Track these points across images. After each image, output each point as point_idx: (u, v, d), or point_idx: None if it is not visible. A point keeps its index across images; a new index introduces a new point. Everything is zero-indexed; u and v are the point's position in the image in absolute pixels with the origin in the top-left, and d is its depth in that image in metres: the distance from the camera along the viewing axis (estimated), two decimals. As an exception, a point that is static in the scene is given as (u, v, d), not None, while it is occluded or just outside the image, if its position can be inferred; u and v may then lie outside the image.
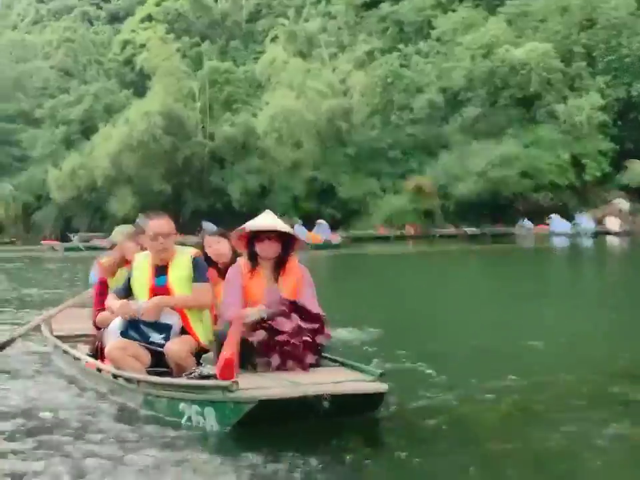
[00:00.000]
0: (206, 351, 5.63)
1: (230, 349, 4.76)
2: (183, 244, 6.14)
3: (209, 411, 4.70)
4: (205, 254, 6.15)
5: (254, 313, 5.29)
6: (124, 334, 5.55)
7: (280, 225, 5.64)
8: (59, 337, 7.41)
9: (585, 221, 41.62)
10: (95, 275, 7.57)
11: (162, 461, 4.21)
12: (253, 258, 5.61)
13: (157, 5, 75.75)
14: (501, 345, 7.92)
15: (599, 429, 4.53)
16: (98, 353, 6.23)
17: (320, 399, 4.48)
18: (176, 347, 5.43)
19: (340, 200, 54.04)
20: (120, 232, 7.56)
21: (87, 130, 67.38)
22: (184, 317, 5.57)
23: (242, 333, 5.18)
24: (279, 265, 5.62)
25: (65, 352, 6.82)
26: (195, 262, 5.69)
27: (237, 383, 4.54)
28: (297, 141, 55.48)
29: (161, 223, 5.66)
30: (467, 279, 19.19)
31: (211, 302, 5.72)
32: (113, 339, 5.70)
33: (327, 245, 37.28)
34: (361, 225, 53.10)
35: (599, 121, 46.14)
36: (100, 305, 6.35)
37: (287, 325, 5.24)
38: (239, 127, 58.55)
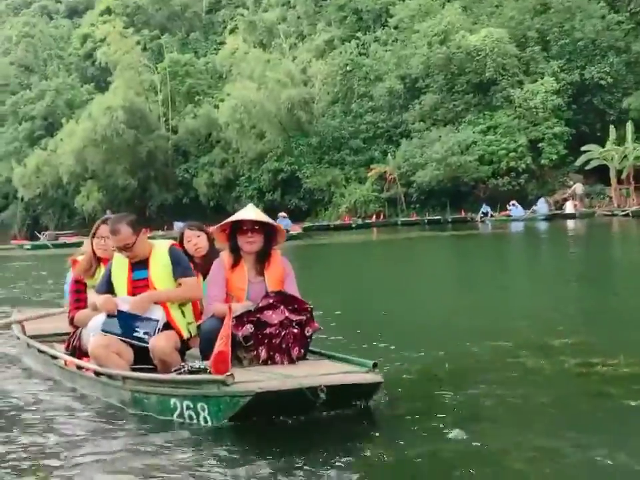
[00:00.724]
0: (187, 346, 5.61)
1: (223, 343, 4.60)
2: (152, 238, 6.19)
3: (203, 406, 4.64)
4: (183, 248, 6.12)
5: (241, 307, 5.29)
6: (106, 330, 5.45)
7: (262, 216, 5.59)
8: (32, 337, 7.21)
9: (541, 206, 42.48)
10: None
11: (154, 458, 4.17)
12: (236, 251, 5.56)
13: (116, -3, 75.44)
14: (436, 322, 8.62)
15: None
16: (75, 351, 6.13)
17: (316, 390, 4.44)
18: (161, 343, 5.35)
19: (305, 190, 54.56)
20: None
21: (50, 126, 67.40)
22: (166, 311, 5.52)
23: (233, 328, 5.08)
24: (262, 258, 5.57)
25: (41, 351, 6.65)
26: (174, 253, 5.68)
27: (232, 376, 4.50)
28: (260, 132, 55.91)
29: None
30: (421, 264, 19.92)
31: (198, 296, 5.70)
32: (94, 336, 5.64)
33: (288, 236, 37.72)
34: (327, 215, 53.71)
35: (554, 105, 46.73)
36: (76, 303, 6.18)
37: (274, 317, 5.22)
38: (201, 119, 58.98)
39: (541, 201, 43.07)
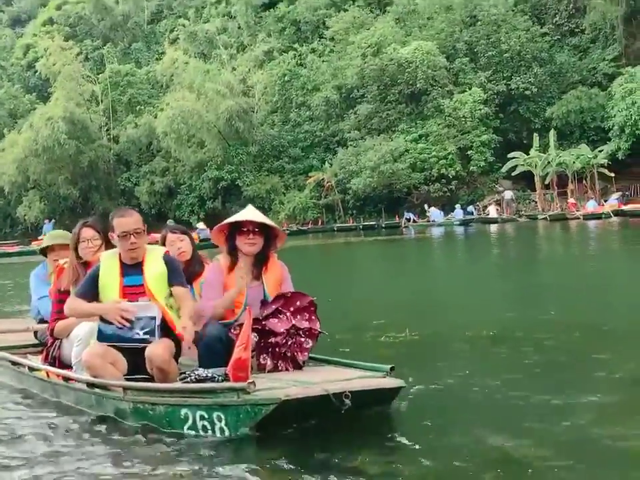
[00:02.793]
0: (179, 353, 5.28)
1: (243, 349, 4.40)
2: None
3: (219, 416, 4.39)
4: None
5: (232, 292, 5.22)
6: (104, 338, 5.08)
7: (263, 218, 5.42)
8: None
9: (457, 212, 44.54)
10: (40, 283, 6.87)
11: (164, 473, 3.93)
12: (234, 253, 5.36)
13: (58, 8, 76.07)
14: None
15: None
16: (55, 363, 5.76)
17: (341, 396, 4.29)
18: (159, 351, 5.00)
19: (245, 198, 55.59)
20: (56, 236, 6.83)
21: (-7, 136, 67.42)
22: (169, 320, 5.14)
23: (235, 335, 4.97)
24: (261, 261, 5.39)
25: (15, 363, 6.19)
26: (169, 260, 5.36)
27: (253, 383, 4.30)
28: (199, 141, 56.99)
29: (126, 221, 5.20)
30: (345, 266, 21.55)
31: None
32: (77, 346, 5.38)
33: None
34: (267, 221, 54.87)
35: (481, 114, 48.65)
36: (57, 314, 5.69)
37: (280, 325, 5.09)
38: (142, 129, 59.83)
39: (457, 207, 45.20)
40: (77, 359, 5.42)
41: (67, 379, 5.45)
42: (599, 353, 6.39)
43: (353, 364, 5.20)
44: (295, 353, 5.13)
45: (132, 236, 5.15)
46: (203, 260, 6.12)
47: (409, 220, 46.55)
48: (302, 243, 38.90)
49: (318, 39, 61.24)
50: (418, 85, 50.20)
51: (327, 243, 37.04)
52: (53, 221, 54.53)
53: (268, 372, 5.04)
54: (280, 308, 5.13)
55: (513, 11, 53.02)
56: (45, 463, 4.13)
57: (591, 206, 40.19)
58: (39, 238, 49.75)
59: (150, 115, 60.26)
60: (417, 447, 4.11)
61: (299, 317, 5.15)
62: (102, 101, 63.71)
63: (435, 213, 45.13)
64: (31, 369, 5.93)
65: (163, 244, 5.98)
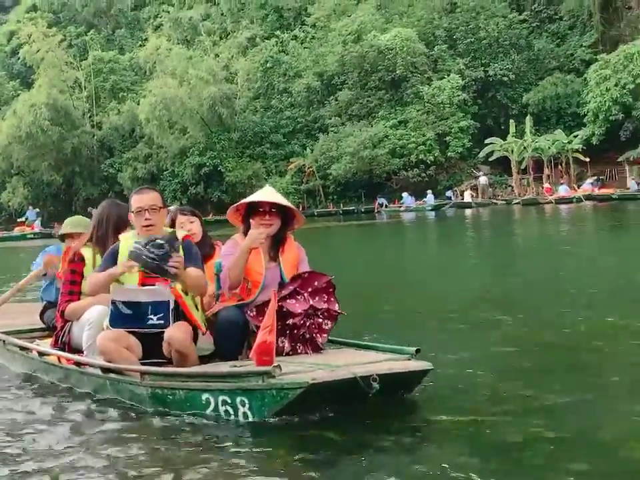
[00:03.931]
0: (195, 337, 5.08)
1: (267, 331, 4.27)
2: None
3: (242, 401, 4.27)
4: None
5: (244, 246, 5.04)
6: (115, 324, 4.95)
7: (280, 198, 5.26)
8: (6, 334, 6.52)
9: (429, 197, 45.34)
10: (42, 264, 6.76)
11: (186, 459, 3.82)
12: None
13: (42, -5, 75.94)
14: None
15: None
16: (65, 348, 5.54)
17: (369, 380, 4.16)
18: (180, 334, 4.88)
19: (227, 183, 56.25)
20: (77, 224, 6.61)
21: (-23, 123, 67.57)
22: (182, 304, 5.00)
23: (252, 317, 4.95)
24: (278, 242, 5.24)
25: (23, 348, 5.98)
26: (187, 243, 5.13)
27: (279, 367, 4.17)
28: (182, 128, 57.42)
29: (142, 197, 5.03)
30: (319, 247, 22.24)
31: (205, 291, 5.19)
32: (93, 330, 5.19)
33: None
34: (249, 207, 55.52)
35: (459, 100, 49.38)
36: (69, 295, 5.53)
37: (298, 306, 4.95)
38: (125, 116, 60.22)
39: (429, 192, 46.02)
40: (88, 343, 5.26)
41: (79, 363, 5.26)
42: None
43: (375, 346, 5.05)
44: (314, 335, 4.98)
45: (146, 212, 4.98)
46: (214, 243, 5.95)
47: (381, 205, 47.39)
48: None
49: (300, 26, 61.65)
50: (397, 72, 50.81)
51: (306, 227, 37.67)
52: (37, 209, 54.99)
53: (286, 355, 4.83)
54: (297, 288, 5.00)
55: (491, -3, 53.69)
56: (58, 450, 4.02)
57: (562, 190, 40.96)
58: (19, 221, 50.49)
59: (133, 101, 60.60)
60: (445, 433, 3.99)
61: (317, 297, 5.01)
62: (85, 88, 64.03)
63: (407, 199, 45.97)
64: (41, 353, 5.71)
65: (172, 226, 5.71)
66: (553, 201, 38.99)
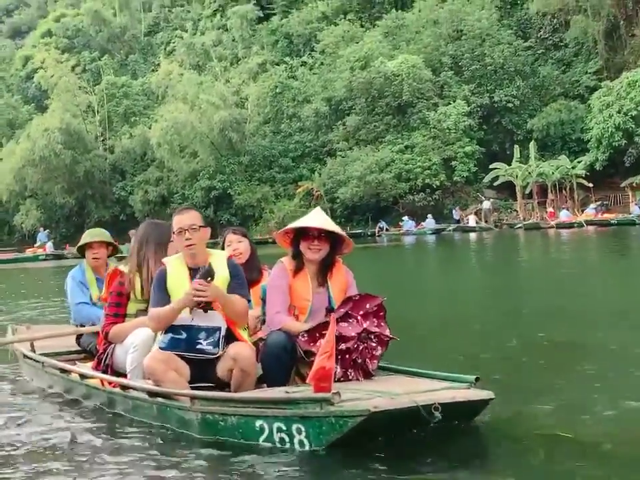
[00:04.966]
0: None
1: (327, 357, 4.12)
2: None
3: (299, 428, 4.13)
4: None
5: (299, 326, 4.94)
6: (165, 346, 4.86)
7: (330, 224, 5.15)
8: (44, 355, 6.41)
9: (429, 221, 46.14)
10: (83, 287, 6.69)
11: None
12: (298, 257, 5.13)
13: (57, 20, 77.61)
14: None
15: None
16: (107, 371, 5.46)
17: (431, 409, 4.01)
18: (247, 351, 4.81)
19: (237, 206, 57.12)
20: (94, 234, 6.68)
21: (-8, 146, 68.90)
22: (232, 324, 4.91)
23: (300, 341, 4.85)
24: (326, 267, 5.14)
25: (63, 370, 5.85)
26: (233, 265, 5.09)
27: (338, 394, 4.04)
28: (192, 152, 58.42)
29: (181, 218, 5.00)
30: None
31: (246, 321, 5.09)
32: (138, 353, 5.13)
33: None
34: (258, 229, 56.27)
35: (465, 126, 50.04)
36: (114, 318, 5.46)
37: (351, 330, 4.82)
38: (136, 140, 61.33)
39: (429, 216, 46.76)
40: (132, 365, 5.20)
41: (124, 387, 5.15)
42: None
43: (428, 374, 4.87)
44: (366, 360, 4.85)
45: (187, 232, 4.93)
46: (262, 267, 5.93)
47: (381, 229, 48.28)
48: (279, 251, 40.36)
49: (309, 52, 62.75)
50: (404, 98, 51.58)
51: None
52: (47, 230, 55.93)
53: (337, 381, 4.58)
54: (349, 311, 4.87)
55: (497, 25, 54.52)
56: (105, 476, 3.98)
57: (563, 215, 41.54)
58: (34, 246, 51.33)
59: (145, 125, 61.73)
60: (510, 463, 3.89)
61: (368, 321, 4.87)
62: (98, 112, 65.21)
63: (407, 222, 46.79)
64: (82, 376, 5.60)
65: (223, 246, 5.86)
66: (555, 226, 39.56)
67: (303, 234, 5.11)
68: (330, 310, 4.90)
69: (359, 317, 4.84)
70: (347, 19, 61.81)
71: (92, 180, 62.26)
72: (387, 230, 47.94)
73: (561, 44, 55.27)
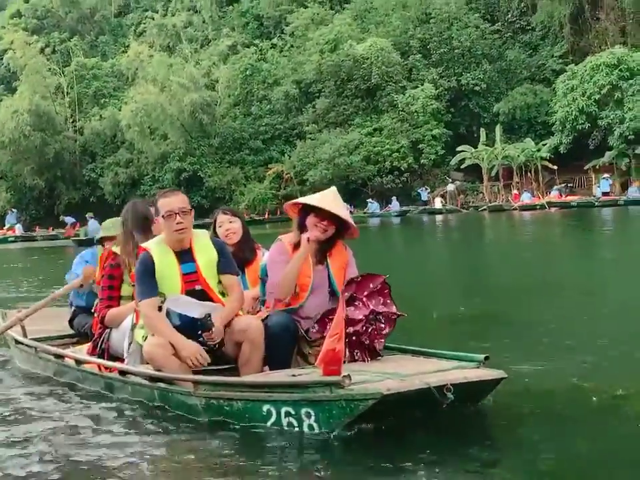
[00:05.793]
0: None
1: (336, 339, 4.02)
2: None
3: (308, 412, 4.04)
4: (215, 234, 5.63)
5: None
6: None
7: (341, 210, 5.04)
8: (35, 340, 6.27)
9: (394, 203, 46.73)
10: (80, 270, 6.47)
11: (248, 472, 3.73)
12: (301, 229, 5.03)
13: (26, 1, 76.65)
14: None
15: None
16: (104, 355, 5.39)
17: (443, 390, 3.95)
18: (257, 322, 4.77)
19: (207, 188, 57.34)
20: (108, 227, 6.35)
21: (-39, 128, 68.26)
22: (207, 287, 4.89)
23: (312, 333, 4.86)
24: (326, 247, 5.07)
25: (58, 356, 5.73)
26: (218, 243, 5.07)
27: (349, 377, 3.95)
28: (162, 134, 58.47)
29: (170, 200, 4.84)
30: None
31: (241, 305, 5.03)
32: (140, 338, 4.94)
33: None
34: (229, 211, 56.63)
35: (433, 109, 50.59)
36: (108, 300, 5.39)
37: (358, 312, 4.75)
38: (106, 121, 61.24)
39: (393, 199, 47.36)
40: (129, 350, 5.12)
41: (123, 372, 5.03)
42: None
43: (437, 353, 4.80)
44: (374, 341, 4.77)
45: (178, 215, 4.78)
46: (256, 247, 5.85)
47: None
48: (260, 232, 40.84)
49: (279, 35, 62.87)
50: (373, 81, 52.00)
51: (279, 231, 38.93)
52: (16, 211, 55.78)
53: (343, 363, 4.39)
54: (354, 294, 4.79)
55: (465, 8, 54.97)
56: (102, 464, 3.91)
57: (525, 198, 42.32)
58: (3, 228, 51.29)
59: (115, 107, 61.63)
60: (522, 444, 3.90)
61: (374, 301, 4.80)
62: (68, 94, 64.94)
63: (372, 205, 47.35)
64: (78, 361, 5.50)
65: (214, 226, 5.74)
66: (518, 208, 40.31)
67: (313, 209, 5.02)
68: (331, 292, 4.99)
69: (364, 299, 4.79)
70: (317, 1, 61.90)
71: (62, 162, 62.09)
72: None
73: (528, 27, 55.81)
